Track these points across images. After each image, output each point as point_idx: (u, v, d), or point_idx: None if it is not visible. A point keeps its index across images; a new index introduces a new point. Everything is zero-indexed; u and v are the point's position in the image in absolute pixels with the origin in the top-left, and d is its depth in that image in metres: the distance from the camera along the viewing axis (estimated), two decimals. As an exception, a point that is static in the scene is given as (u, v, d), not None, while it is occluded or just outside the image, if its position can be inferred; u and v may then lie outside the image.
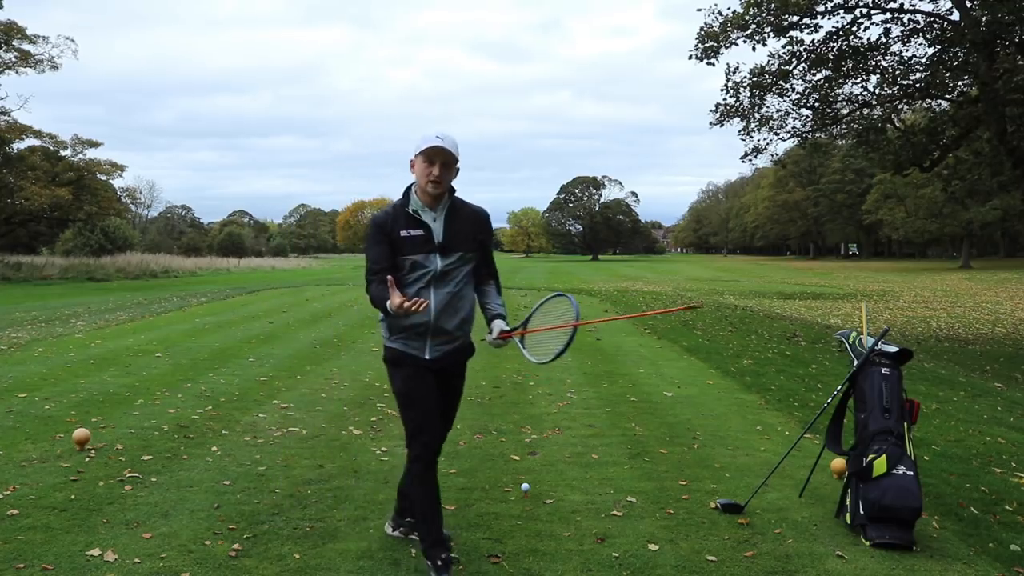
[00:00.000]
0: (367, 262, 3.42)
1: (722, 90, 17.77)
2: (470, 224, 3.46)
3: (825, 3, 16.01)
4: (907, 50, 17.23)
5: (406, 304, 3.13)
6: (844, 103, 18.09)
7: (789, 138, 18.71)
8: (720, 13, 16.56)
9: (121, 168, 47.29)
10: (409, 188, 3.46)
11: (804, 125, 18.33)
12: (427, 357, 3.43)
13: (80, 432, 5.28)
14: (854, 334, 4.57)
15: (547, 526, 4.04)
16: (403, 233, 3.36)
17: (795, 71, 17.30)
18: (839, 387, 4.40)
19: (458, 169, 3.41)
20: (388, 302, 3.21)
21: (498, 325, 3.49)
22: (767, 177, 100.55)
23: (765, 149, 18.81)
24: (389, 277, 3.23)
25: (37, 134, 43.30)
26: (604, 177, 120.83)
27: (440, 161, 3.30)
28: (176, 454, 5.20)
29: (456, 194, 3.50)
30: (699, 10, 16.70)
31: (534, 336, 3.52)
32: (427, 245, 3.35)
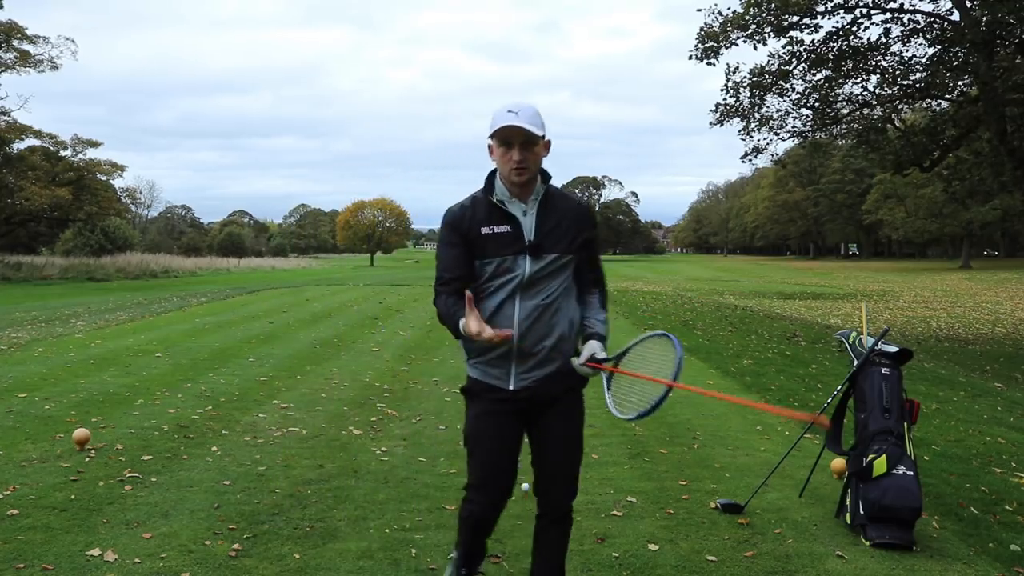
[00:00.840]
0: (436, 268, 2.79)
1: (722, 90, 17.81)
2: (570, 219, 2.76)
3: (825, 3, 16.03)
4: (907, 50, 17.28)
5: (487, 334, 2.54)
6: (844, 103, 18.11)
7: (789, 138, 18.76)
8: (720, 13, 16.59)
9: (121, 168, 47.41)
10: (493, 174, 2.79)
11: (804, 125, 18.36)
12: (511, 387, 2.75)
13: (80, 432, 5.28)
14: (854, 334, 4.57)
15: (547, 526, 4.03)
16: (485, 230, 2.71)
17: (795, 71, 17.32)
18: (839, 387, 4.40)
19: (548, 144, 2.75)
20: (462, 323, 2.62)
21: (591, 348, 2.74)
22: (767, 177, 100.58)
23: (765, 149, 18.85)
24: (468, 294, 2.60)
25: (37, 134, 43.40)
26: (604, 177, 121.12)
27: (519, 142, 2.64)
28: (176, 454, 5.19)
29: (551, 182, 2.83)
30: (699, 10, 16.73)
31: (623, 380, 2.75)
32: (515, 244, 2.70)
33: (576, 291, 2.86)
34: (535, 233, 2.71)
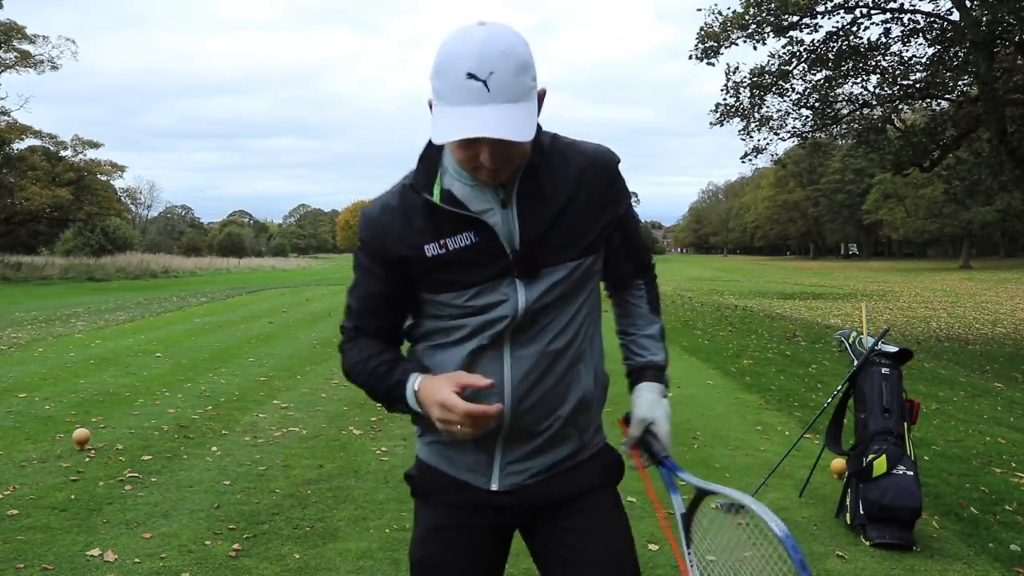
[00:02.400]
0: (346, 303, 1.67)
1: (722, 90, 17.81)
2: (584, 191, 1.56)
3: (825, 3, 16.03)
4: (907, 50, 17.28)
5: (470, 410, 1.42)
6: (844, 103, 18.12)
7: (789, 138, 18.77)
8: (720, 13, 16.60)
9: (121, 168, 47.54)
10: (425, 149, 1.57)
11: (804, 125, 18.37)
12: (493, 487, 1.60)
13: (80, 432, 5.29)
14: (854, 334, 4.57)
15: (547, 526, 4.04)
16: (431, 249, 1.52)
17: (795, 71, 17.32)
18: (839, 387, 4.40)
19: (543, 95, 1.48)
20: (413, 383, 1.53)
21: (644, 410, 1.63)
22: (767, 177, 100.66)
23: (765, 149, 18.86)
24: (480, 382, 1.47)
25: (37, 134, 43.45)
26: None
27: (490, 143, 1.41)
28: (176, 454, 5.20)
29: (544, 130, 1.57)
30: (699, 10, 16.74)
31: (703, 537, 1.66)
32: (490, 263, 1.52)
33: (610, 291, 1.78)
34: (522, 235, 1.52)
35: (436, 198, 1.53)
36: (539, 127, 1.53)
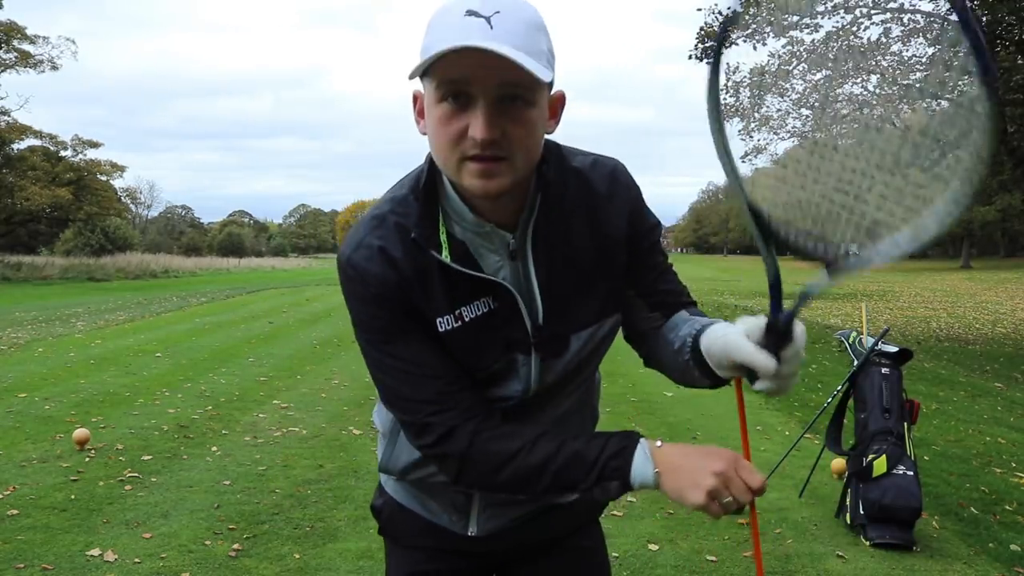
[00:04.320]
0: (398, 393, 1.23)
1: (722, 90, 17.81)
2: (602, 229, 1.28)
3: (825, 3, 16.05)
4: (907, 50, 17.29)
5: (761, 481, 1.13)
6: (844, 103, 18.13)
7: (789, 138, 18.78)
8: (720, 13, 16.61)
9: (121, 168, 47.54)
10: (426, 175, 1.21)
11: (804, 125, 18.38)
12: (471, 532, 1.43)
13: (80, 432, 5.29)
14: (854, 334, 4.58)
15: (547, 526, 4.03)
16: (445, 324, 1.22)
17: (795, 71, 17.35)
18: (839, 387, 4.40)
19: (562, 99, 1.21)
20: (649, 451, 1.14)
21: (717, 344, 1.16)
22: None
23: (765, 149, 18.88)
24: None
25: (37, 134, 43.47)
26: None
27: (490, 92, 1.08)
28: (176, 454, 5.20)
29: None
30: (699, 10, 16.78)
31: None
32: (506, 335, 1.25)
33: (649, 327, 1.38)
34: (544, 303, 1.24)
35: (445, 255, 1.18)
36: (546, 144, 1.22)
